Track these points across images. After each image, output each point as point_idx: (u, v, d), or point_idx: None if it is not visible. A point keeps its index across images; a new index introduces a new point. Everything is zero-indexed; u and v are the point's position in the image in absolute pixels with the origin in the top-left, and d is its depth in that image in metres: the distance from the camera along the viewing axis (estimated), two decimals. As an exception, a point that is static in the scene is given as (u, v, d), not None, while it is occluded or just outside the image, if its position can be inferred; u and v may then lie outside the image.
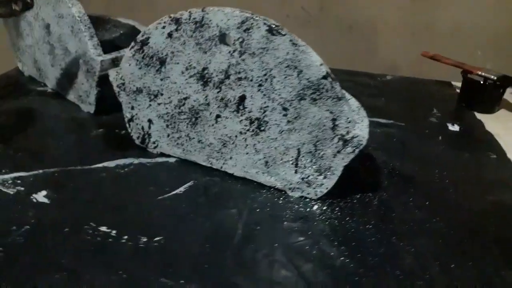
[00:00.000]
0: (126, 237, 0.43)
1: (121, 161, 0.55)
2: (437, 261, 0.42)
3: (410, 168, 0.59)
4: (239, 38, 0.45)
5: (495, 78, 0.79)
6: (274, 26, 0.43)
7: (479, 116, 0.80)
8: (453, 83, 0.98)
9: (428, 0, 1.36)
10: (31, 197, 0.47)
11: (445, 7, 1.35)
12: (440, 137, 0.70)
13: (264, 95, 0.47)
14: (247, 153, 0.51)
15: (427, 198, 0.52)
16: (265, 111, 0.48)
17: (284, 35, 0.43)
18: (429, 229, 0.47)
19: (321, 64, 0.43)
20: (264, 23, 0.44)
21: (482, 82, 0.80)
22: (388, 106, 0.81)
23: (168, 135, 0.55)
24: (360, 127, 0.45)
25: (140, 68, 0.52)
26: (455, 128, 0.74)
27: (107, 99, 0.65)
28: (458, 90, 0.90)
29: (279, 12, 1.40)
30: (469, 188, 0.56)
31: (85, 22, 0.60)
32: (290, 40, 0.43)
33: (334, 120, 0.44)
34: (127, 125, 0.57)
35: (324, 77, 0.43)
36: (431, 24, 1.46)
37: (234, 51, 0.46)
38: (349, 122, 0.44)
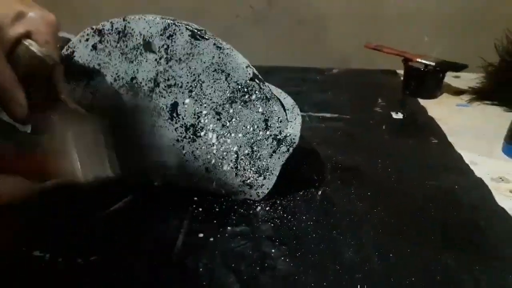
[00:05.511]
0: (60, 259, 0.41)
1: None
2: (377, 252, 0.43)
3: (354, 160, 0.60)
4: (163, 45, 0.44)
5: (434, 63, 0.82)
6: (196, 30, 0.43)
7: (422, 102, 0.83)
8: (397, 71, 1.00)
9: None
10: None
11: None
12: (384, 126, 0.72)
13: (196, 100, 0.46)
14: (186, 161, 0.50)
15: (369, 189, 0.53)
16: (199, 117, 0.47)
17: (208, 39, 0.43)
18: (370, 219, 0.48)
19: (247, 66, 0.43)
20: (187, 28, 0.43)
21: (422, 69, 0.83)
22: (335, 100, 0.82)
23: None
24: (292, 125, 0.45)
25: (69, 83, 0.50)
26: (399, 116, 0.76)
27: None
28: (402, 78, 0.92)
29: (229, 12, 1.40)
30: (410, 175, 0.57)
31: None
32: (214, 44, 0.43)
33: (266, 120, 0.44)
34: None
35: (251, 79, 0.43)
36: (378, 13, 1.49)
37: (160, 58, 0.45)
38: (281, 121, 0.44)
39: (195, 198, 0.50)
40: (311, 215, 0.48)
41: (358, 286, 0.39)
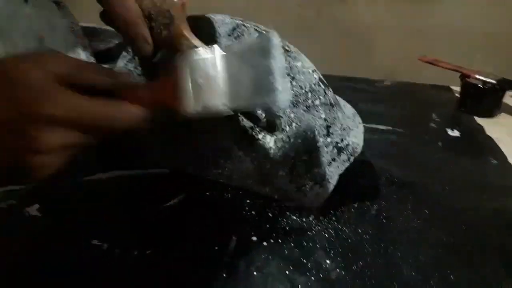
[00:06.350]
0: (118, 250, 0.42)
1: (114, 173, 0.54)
2: (437, 272, 0.41)
3: (410, 175, 0.58)
4: (230, 46, 0.44)
5: (495, 81, 0.78)
6: (265, 31, 0.42)
7: (479, 120, 0.79)
8: (451, 87, 0.97)
9: (423, 3, 1.36)
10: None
11: (440, 10, 1.35)
12: (440, 143, 0.69)
13: (257, 103, 0.46)
14: (241, 163, 0.50)
15: (426, 206, 0.51)
16: (257, 120, 0.47)
17: (275, 41, 0.42)
18: (429, 238, 0.46)
19: (313, 71, 0.42)
20: (255, 29, 0.43)
21: (481, 86, 0.79)
22: (387, 112, 0.80)
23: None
24: (355, 134, 0.44)
25: (139, 75, 0.51)
26: (455, 133, 0.73)
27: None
28: (457, 95, 0.89)
29: (275, 17, 1.40)
30: (470, 195, 0.55)
31: (78, 33, 0.59)
32: (282, 46, 0.42)
33: (328, 127, 0.43)
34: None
35: (317, 84, 0.42)
36: (427, 28, 1.45)
37: (225, 59, 0.45)
38: (343, 129, 0.43)
39: (248, 201, 0.50)
40: (366, 229, 0.46)
41: (419, 306, 0.37)
